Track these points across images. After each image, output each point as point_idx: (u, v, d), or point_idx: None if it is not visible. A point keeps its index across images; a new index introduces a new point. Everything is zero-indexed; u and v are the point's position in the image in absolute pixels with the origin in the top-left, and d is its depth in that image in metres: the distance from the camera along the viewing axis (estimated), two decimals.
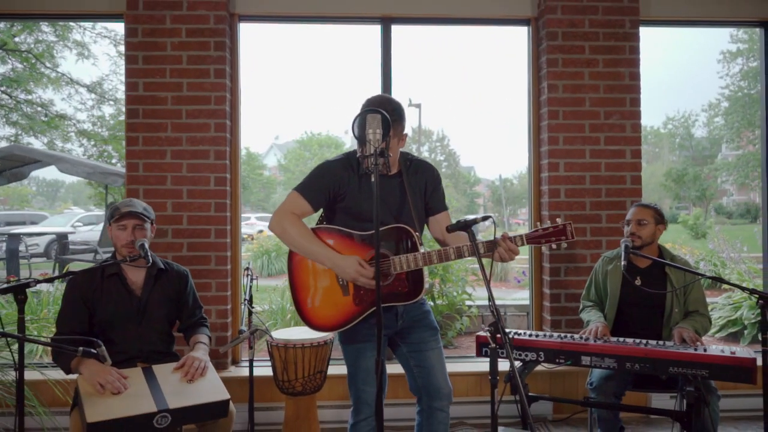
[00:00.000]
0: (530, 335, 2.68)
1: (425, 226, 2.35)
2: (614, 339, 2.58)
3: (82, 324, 2.34)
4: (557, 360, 2.56)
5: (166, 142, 3.54)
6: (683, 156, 33.48)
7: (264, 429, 3.41)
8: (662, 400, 3.44)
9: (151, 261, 2.29)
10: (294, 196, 2.22)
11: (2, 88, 12.01)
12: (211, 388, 2.20)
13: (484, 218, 1.92)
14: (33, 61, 11.85)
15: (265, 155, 35.70)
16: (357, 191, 2.18)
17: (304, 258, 2.20)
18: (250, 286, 2.65)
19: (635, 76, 3.71)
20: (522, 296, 7.29)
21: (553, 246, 2.05)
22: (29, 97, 12.35)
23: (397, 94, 3.93)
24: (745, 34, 26.93)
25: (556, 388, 3.59)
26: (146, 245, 2.32)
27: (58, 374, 3.32)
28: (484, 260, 1.96)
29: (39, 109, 12.52)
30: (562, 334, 2.68)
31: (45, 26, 11.72)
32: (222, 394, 2.18)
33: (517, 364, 2.65)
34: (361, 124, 1.91)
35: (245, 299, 2.57)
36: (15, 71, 11.98)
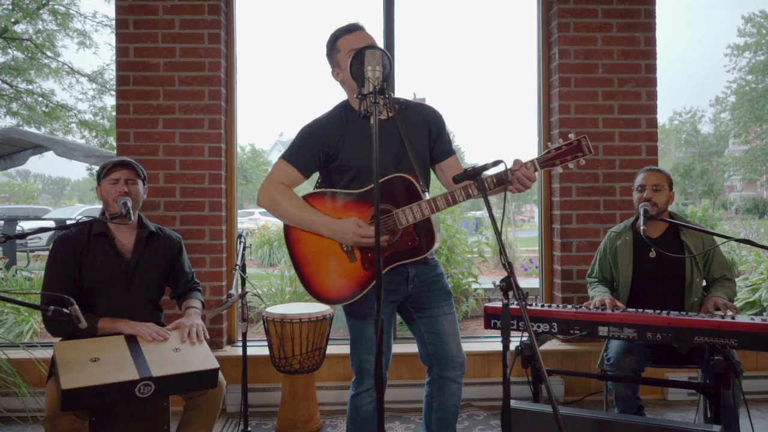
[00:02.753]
0: (542, 305, 2.50)
1: (430, 174, 2.16)
2: (632, 309, 2.40)
3: (71, 285, 2.16)
4: (572, 331, 2.37)
5: (158, 110, 3.38)
6: (689, 152, 33.09)
7: (259, 411, 3.24)
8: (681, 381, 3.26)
9: (132, 219, 2.13)
10: (281, 164, 2.02)
11: (2, 77, 11.87)
12: (198, 357, 2.04)
13: (495, 163, 1.74)
14: (34, 50, 11.72)
15: (270, 152, 35.71)
16: (351, 143, 1.98)
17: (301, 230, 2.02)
18: (243, 254, 2.50)
19: (651, 41, 3.51)
20: (528, 284, 7.09)
21: (570, 165, 1.84)
22: (30, 86, 12.20)
23: (399, 87, 3.73)
24: (753, 28, 26.58)
25: (567, 369, 3.41)
26: (129, 204, 2.15)
27: (46, 353, 3.18)
28: (498, 213, 1.77)
29: (40, 99, 12.37)
30: (577, 305, 2.51)
31: (45, 15, 11.58)
32: (210, 362, 2.02)
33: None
34: (359, 61, 1.73)
35: (237, 265, 2.41)
36: (15, 60, 11.84)
